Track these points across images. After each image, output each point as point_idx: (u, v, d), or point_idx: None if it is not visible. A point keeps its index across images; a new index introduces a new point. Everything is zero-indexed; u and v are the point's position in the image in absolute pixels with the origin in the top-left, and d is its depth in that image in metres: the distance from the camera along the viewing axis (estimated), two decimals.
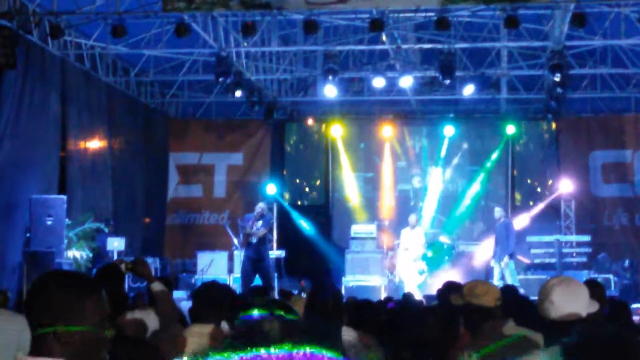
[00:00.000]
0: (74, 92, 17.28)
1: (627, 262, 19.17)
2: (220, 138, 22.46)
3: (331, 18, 16.84)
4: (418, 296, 13.42)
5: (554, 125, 21.94)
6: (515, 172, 22.09)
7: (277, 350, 1.59)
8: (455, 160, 21.84)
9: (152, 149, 21.31)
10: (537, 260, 19.29)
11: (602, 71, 19.38)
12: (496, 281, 16.17)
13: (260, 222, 16.15)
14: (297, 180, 23.36)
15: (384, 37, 16.38)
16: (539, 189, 22.28)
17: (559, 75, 16.34)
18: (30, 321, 2.70)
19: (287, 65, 19.66)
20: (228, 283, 16.23)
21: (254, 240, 16.03)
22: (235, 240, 18.48)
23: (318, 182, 23.09)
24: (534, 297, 5.28)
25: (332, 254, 20.68)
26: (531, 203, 21.62)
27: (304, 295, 8.19)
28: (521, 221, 19.92)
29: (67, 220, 15.57)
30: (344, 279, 18.06)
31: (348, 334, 5.53)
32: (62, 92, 16.74)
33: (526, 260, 19.18)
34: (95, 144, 18.42)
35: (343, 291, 16.40)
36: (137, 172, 20.39)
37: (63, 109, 16.80)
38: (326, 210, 22.41)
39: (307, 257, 20.80)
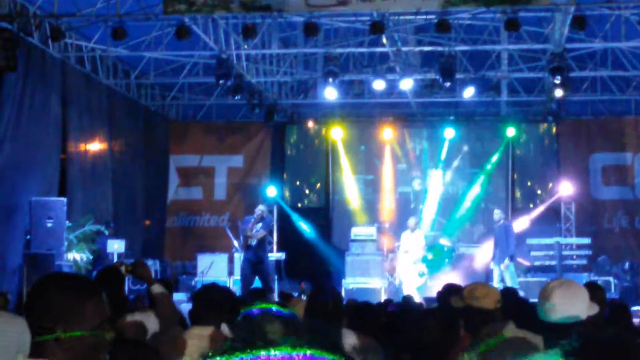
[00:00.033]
0: (75, 95, 17.29)
1: (627, 265, 19.18)
2: (220, 140, 22.46)
3: (331, 20, 16.85)
4: (417, 299, 13.42)
5: (554, 128, 21.93)
6: (515, 175, 22.09)
7: (277, 352, 1.60)
8: (456, 163, 21.84)
9: (153, 151, 21.31)
10: (537, 263, 19.28)
11: (602, 74, 19.39)
12: (496, 283, 16.16)
13: (260, 225, 16.15)
14: (298, 183, 23.36)
15: (384, 40, 16.38)
16: (539, 192, 22.27)
17: (559, 77, 16.35)
18: (31, 323, 2.71)
19: (288, 68, 19.67)
20: (228, 285, 16.22)
21: (254, 242, 16.03)
22: (236, 243, 18.48)
23: (318, 184, 23.08)
24: (534, 300, 5.28)
25: (332, 256, 20.67)
26: (531, 205, 21.61)
27: (304, 297, 8.19)
28: (521, 224, 19.92)
29: (67, 222, 15.59)
30: (344, 282, 18.05)
31: (348, 337, 5.53)
32: (63, 95, 16.75)
33: (526, 263, 19.18)
34: (95, 146, 18.43)
35: (343, 293, 16.39)
36: (138, 174, 20.40)
37: (63, 112, 16.81)
38: (326, 213, 22.40)
39: (307, 260, 20.79)
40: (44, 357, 2.63)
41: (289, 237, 21.33)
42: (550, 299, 3.96)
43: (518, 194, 22.19)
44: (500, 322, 4.69)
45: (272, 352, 1.59)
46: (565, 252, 19.33)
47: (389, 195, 21.97)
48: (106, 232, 16.95)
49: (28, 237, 15.02)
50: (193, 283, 18.37)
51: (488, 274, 17.65)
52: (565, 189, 20.62)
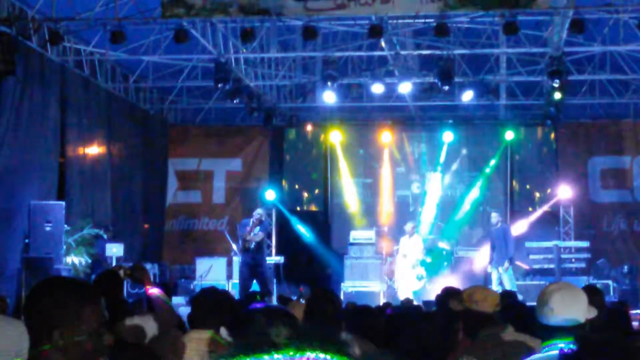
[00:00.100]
0: (74, 99, 17.29)
1: (626, 268, 19.18)
2: (219, 144, 22.47)
3: (330, 24, 16.86)
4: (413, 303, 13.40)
5: (552, 131, 21.95)
6: (514, 178, 22.11)
7: (279, 356, 1.59)
8: (454, 166, 21.85)
9: (151, 155, 21.31)
10: (535, 266, 19.30)
11: (601, 77, 19.41)
12: (495, 287, 16.16)
13: (258, 228, 16.15)
14: (296, 186, 23.37)
15: (382, 43, 16.39)
16: (538, 195, 22.28)
17: (557, 81, 16.37)
18: (29, 327, 2.71)
19: (286, 72, 19.67)
20: (227, 289, 16.22)
21: (252, 246, 16.03)
22: (234, 246, 18.48)
23: (317, 188, 23.09)
24: (532, 303, 5.28)
25: (331, 259, 20.67)
26: (530, 209, 21.62)
27: (302, 301, 8.18)
28: (520, 227, 19.94)
29: (66, 226, 15.59)
30: (343, 285, 18.05)
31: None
32: (62, 99, 16.75)
33: (525, 266, 19.19)
34: (94, 149, 18.43)
35: (342, 297, 16.38)
36: (136, 178, 20.40)
37: (62, 115, 16.81)
38: (325, 216, 22.41)
39: (306, 263, 20.80)
40: None
41: (288, 241, 21.33)
42: (549, 303, 3.95)
43: (517, 198, 22.20)
44: (500, 326, 4.69)
45: (275, 356, 1.58)
46: (564, 256, 19.34)
47: (387, 199, 21.98)
48: (105, 236, 16.94)
49: (27, 240, 15.01)
50: (192, 287, 18.37)
51: (487, 277, 17.65)
52: (564, 192, 20.63)
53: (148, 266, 16.16)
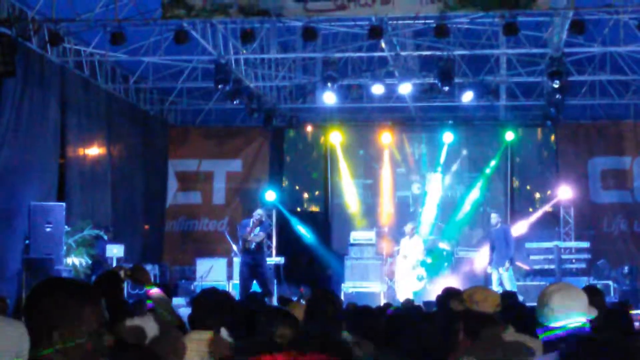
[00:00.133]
0: (74, 100, 17.30)
1: (626, 269, 19.18)
2: (219, 145, 22.48)
3: (330, 25, 16.86)
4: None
5: (553, 132, 21.96)
6: (514, 179, 22.12)
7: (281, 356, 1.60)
8: (455, 167, 21.86)
9: (152, 155, 21.32)
10: (536, 267, 19.30)
11: (601, 78, 19.41)
12: (495, 287, 16.16)
13: (258, 229, 16.14)
14: (297, 187, 23.38)
15: (382, 44, 16.39)
16: (538, 196, 22.29)
17: (557, 82, 16.37)
18: (29, 328, 2.71)
19: (286, 72, 19.67)
20: (227, 289, 16.23)
21: (252, 246, 16.02)
22: (235, 247, 18.48)
23: (317, 188, 23.10)
24: (532, 304, 5.28)
25: (331, 260, 20.68)
26: (530, 209, 21.64)
27: (303, 301, 8.19)
28: (520, 228, 19.95)
29: (66, 227, 15.60)
30: (343, 286, 18.05)
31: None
32: (62, 100, 16.75)
33: (525, 267, 19.19)
34: (94, 150, 18.43)
35: (342, 298, 16.39)
36: (137, 179, 20.40)
37: (62, 116, 16.82)
38: (325, 217, 22.42)
39: (307, 264, 20.81)
40: None
41: (288, 242, 21.34)
42: (549, 303, 3.96)
43: (517, 198, 22.20)
44: (500, 326, 4.69)
45: (278, 356, 1.59)
46: (564, 256, 19.35)
47: (388, 200, 21.99)
48: (105, 237, 16.94)
49: (27, 241, 15.02)
50: (192, 287, 18.38)
51: (487, 277, 17.65)
52: (564, 192, 20.63)
53: (148, 267, 16.17)
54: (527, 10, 13.86)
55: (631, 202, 21.22)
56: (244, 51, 17.69)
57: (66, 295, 2.76)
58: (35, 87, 15.66)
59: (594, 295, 4.91)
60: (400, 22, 15.88)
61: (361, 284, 17.99)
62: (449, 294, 7.17)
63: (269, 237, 20.02)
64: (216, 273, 18.67)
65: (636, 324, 8.73)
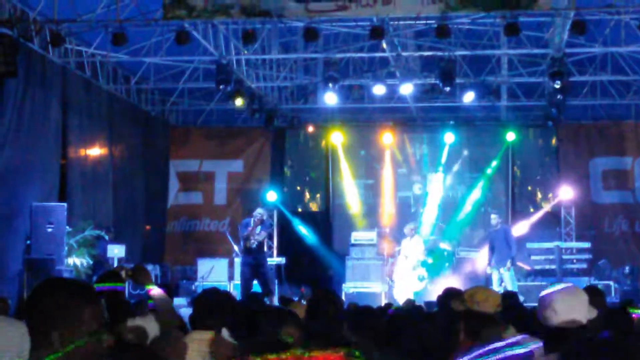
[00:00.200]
0: (75, 100, 17.31)
1: (627, 269, 19.19)
2: (220, 145, 22.49)
3: (331, 26, 16.85)
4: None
5: (554, 133, 21.95)
6: (515, 179, 22.12)
7: (287, 355, 1.60)
8: (456, 167, 21.86)
9: (153, 156, 21.33)
10: (537, 267, 19.30)
11: (602, 78, 19.41)
12: (495, 287, 16.16)
13: (259, 227, 16.14)
14: (298, 188, 23.38)
15: (384, 45, 16.40)
16: (539, 196, 22.29)
17: (559, 82, 16.37)
18: (30, 327, 2.72)
19: (288, 73, 19.68)
20: (228, 290, 16.23)
21: (254, 246, 16.00)
22: (236, 247, 18.48)
23: (318, 189, 23.10)
24: (533, 304, 5.29)
25: (332, 260, 20.68)
26: (531, 210, 21.64)
27: (304, 302, 8.19)
28: (521, 228, 19.95)
29: (67, 227, 15.60)
30: (344, 286, 18.05)
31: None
32: (63, 100, 16.76)
33: (526, 267, 19.19)
34: (95, 151, 18.45)
35: (343, 298, 16.40)
36: (138, 179, 20.41)
37: (64, 117, 16.83)
38: (326, 217, 22.42)
39: (308, 264, 20.82)
40: None
41: (289, 242, 21.35)
42: (550, 304, 3.96)
43: (518, 199, 22.20)
44: (501, 326, 4.69)
45: (283, 355, 1.60)
46: (565, 256, 19.35)
47: (389, 200, 21.99)
48: (106, 237, 16.95)
49: (28, 242, 15.03)
50: (193, 288, 18.39)
51: (488, 278, 17.64)
52: (566, 193, 20.63)
53: (149, 267, 16.19)
54: (528, 11, 13.87)
55: (632, 202, 21.22)
56: (245, 52, 17.69)
57: (66, 295, 2.77)
58: (36, 88, 15.67)
59: (594, 295, 4.91)
60: (401, 22, 15.88)
61: (362, 284, 17.99)
62: (450, 294, 7.17)
63: (270, 237, 20.02)
64: (217, 273, 18.68)
65: None
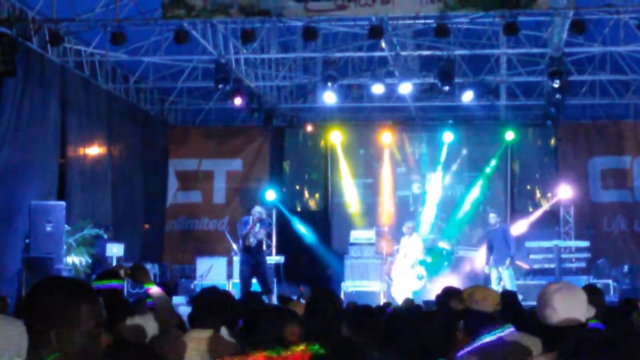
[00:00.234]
0: (74, 99, 17.31)
1: (626, 268, 19.20)
2: (219, 144, 22.49)
3: (330, 25, 16.85)
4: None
5: (553, 132, 21.96)
6: (514, 178, 22.12)
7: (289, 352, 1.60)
8: (455, 167, 21.86)
9: (152, 155, 21.33)
10: (536, 266, 19.30)
11: (601, 78, 19.42)
12: (494, 286, 16.16)
13: (258, 225, 16.13)
14: (297, 187, 23.38)
15: (383, 44, 16.39)
16: (538, 195, 22.30)
17: (558, 81, 16.38)
18: (27, 325, 2.72)
19: (287, 72, 19.68)
20: (227, 289, 16.23)
21: (253, 244, 16.00)
22: (235, 246, 18.48)
23: (317, 188, 23.09)
24: (532, 303, 5.30)
25: (331, 259, 20.68)
26: (530, 209, 21.65)
27: (302, 301, 8.19)
28: (520, 227, 19.96)
29: (66, 226, 15.60)
30: (343, 285, 18.07)
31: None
32: (62, 99, 16.76)
33: (525, 266, 19.19)
34: (94, 150, 18.45)
35: (342, 297, 16.40)
36: (137, 178, 20.41)
37: (63, 116, 16.83)
38: (325, 216, 22.42)
39: (306, 263, 20.82)
40: None
41: (288, 241, 21.35)
42: (550, 303, 3.96)
43: (517, 198, 22.20)
44: (500, 325, 4.70)
45: (283, 353, 1.60)
46: (564, 255, 19.35)
47: (388, 199, 21.99)
48: (105, 236, 16.96)
49: (27, 241, 15.03)
50: (192, 286, 18.40)
51: (487, 277, 17.65)
52: (564, 192, 20.64)
53: (148, 266, 16.18)
54: (527, 10, 13.87)
55: (631, 201, 21.23)
56: (244, 51, 17.69)
57: (65, 294, 2.77)
58: (35, 87, 15.67)
59: (593, 294, 4.92)
60: (400, 22, 15.88)
61: (361, 283, 18.00)
62: (449, 293, 7.17)
63: (269, 236, 20.02)
64: (216, 272, 18.68)
65: None
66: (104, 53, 17.07)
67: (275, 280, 18.60)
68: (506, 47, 17.82)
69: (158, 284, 5.70)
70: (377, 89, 18.63)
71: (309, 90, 21.06)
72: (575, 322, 3.92)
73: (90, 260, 16.30)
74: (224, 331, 5.30)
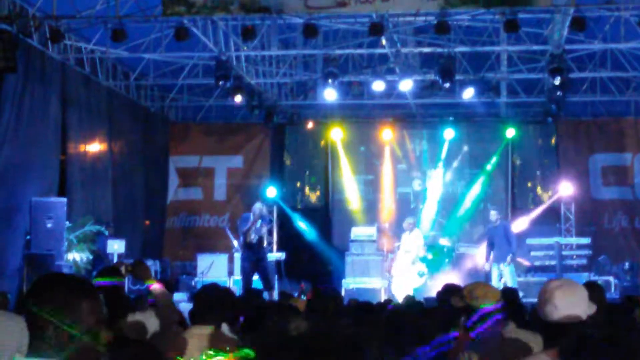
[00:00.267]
0: (74, 96, 17.30)
1: (627, 265, 19.21)
2: (220, 141, 22.48)
3: (331, 22, 16.83)
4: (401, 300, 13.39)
5: (553, 129, 21.95)
6: (515, 175, 22.11)
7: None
8: (455, 164, 21.86)
9: (152, 152, 21.33)
10: (537, 263, 19.30)
11: (602, 75, 19.40)
12: (495, 283, 16.17)
13: (260, 221, 16.14)
14: (297, 184, 23.37)
15: (383, 41, 16.38)
16: (539, 192, 22.29)
17: (558, 78, 16.37)
18: (29, 322, 2.72)
19: (287, 69, 19.67)
20: (228, 285, 16.24)
21: (255, 240, 16.01)
22: (235, 243, 18.49)
23: (318, 185, 23.09)
24: (533, 300, 5.30)
25: (332, 256, 20.69)
26: (531, 206, 21.64)
27: (303, 297, 8.20)
28: (521, 224, 19.95)
29: (67, 222, 15.61)
30: (344, 282, 18.09)
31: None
32: (63, 96, 16.76)
33: (526, 263, 19.19)
34: (95, 147, 18.45)
35: (343, 293, 16.41)
36: (137, 175, 20.41)
37: (63, 113, 16.83)
38: (326, 213, 22.42)
39: (307, 260, 20.82)
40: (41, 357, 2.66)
41: (289, 238, 21.35)
42: (550, 300, 3.96)
43: (518, 195, 22.20)
44: (501, 322, 4.70)
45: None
46: (565, 252, 19.36)
47: (388, 196, 22.00)
48: (106, 233, 16.97)
49: (28, 237, 15.03)
50: (193, 283, 18.41)
51: (487, 274, 17.65)
52: (565, 189, 20.65)
53: (149, 263, 16.19)
54: (527, 7, 13.87)
55: (632, 198, 21.22)
56: (245, 48, 17.68)
57: (65, 290, 2.77)
58: (36, 84, 15.66)
59: (594, 291, 4.92)
60: (400, 18, 15.86)
61: (362, 280, 18.01)
62: (450, 290, 7.19)
63: (270, 232, 20.03)
64: (217, 269, 18.68)
65: None
66: (104, 50, 17.07)
67: (276, 276, 18.60)
68: (507, 44, 17.80)
69: (159, 281, 5.71)
70: (378, 86, 18.62)
71: (309, 87, 21.05)
72: (576, 319, 3.92)
73: (91, 257, 16.31)
74: (225, 327, 5.30)
